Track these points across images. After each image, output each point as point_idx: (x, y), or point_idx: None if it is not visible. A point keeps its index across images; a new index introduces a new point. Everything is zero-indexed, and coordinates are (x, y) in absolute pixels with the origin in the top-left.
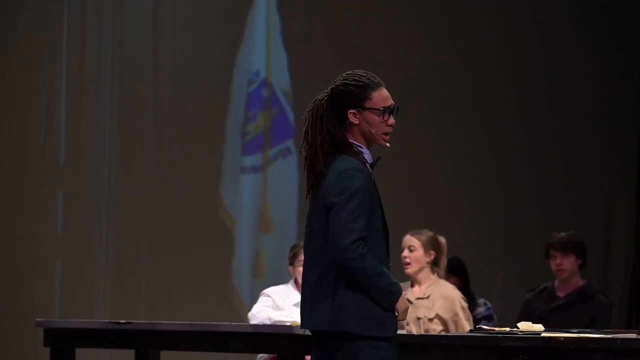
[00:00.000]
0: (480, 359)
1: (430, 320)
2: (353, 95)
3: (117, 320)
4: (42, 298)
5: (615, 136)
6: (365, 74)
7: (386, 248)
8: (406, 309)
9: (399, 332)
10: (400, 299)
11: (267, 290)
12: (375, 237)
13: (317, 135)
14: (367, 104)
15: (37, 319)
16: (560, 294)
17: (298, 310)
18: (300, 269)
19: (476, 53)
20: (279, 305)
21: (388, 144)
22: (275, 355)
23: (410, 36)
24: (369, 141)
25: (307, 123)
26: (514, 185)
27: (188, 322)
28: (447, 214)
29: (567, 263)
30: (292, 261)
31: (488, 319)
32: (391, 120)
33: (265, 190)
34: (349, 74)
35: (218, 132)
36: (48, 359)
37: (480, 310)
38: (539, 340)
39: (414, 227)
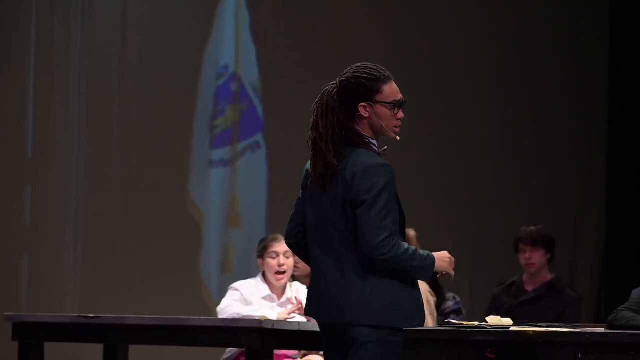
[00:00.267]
0: (449, 353)
1: None
2: (365, 89)
3: (86, 315)
4: (10, 292)
5: (585, 133)
6: (375, 67)
7: (402, 238)
8: (449, 264)
9: None
10: (436, 262)
11: (236, 285)
12: (398, 230)
13: (329, 126)
14: (378, 98)
15: (5, 313)
16: (529, 288)
17: (267, 303)
18: (271, 261)
19: (452, 47)
20: (248, 299)
21: (398, 137)
22: (244, 349)
23: (383, 29)
24: (377, 134)
25: (315, 114)
26: (483, 180)
27: (156, 317)
28: (416, 208)
29: (536, 257)
30: (261, 254)
31: (457, 313)
32: (400, 114)
33: (234, 184)
34: (359, 66)
35: (186, 125)
36: (17, 353)
37: (449, 304)
38: (508, 335)
39: None
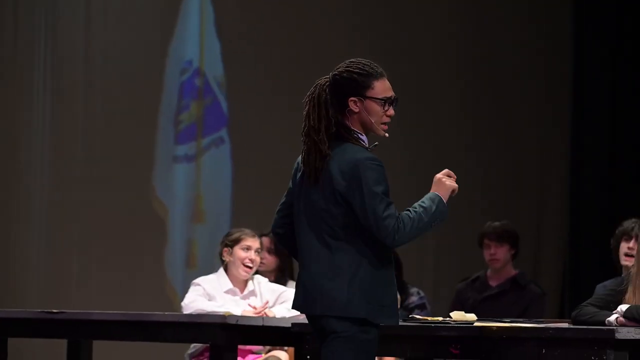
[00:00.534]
0: (413, 348)
1: None
2: (356, 84)
3: (50, 310)
4: None
5: (548, 129)
6: (369, 63)
7: None
8: (448, 184)
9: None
10: (441, 195)
11: (197, 280)
12: None
13: (322, 119)
14: (369, 93)
15: None
16: (493, 284)
17: (230, 298)
18: (242, 253)
19: (420, 43)
20: (210, 293)
21: (387, 134)
22: (208, 344)
23: (352, 24)
24: (367, 130)
25: (307, 107)
26: None
27: (120, 312)
28: None
29: (500, 253)
30: (232, 244)
31: (421, 308)
32: (391, 111)
33: (198, 179)
34: (353, 61)
35: (151, 121)
36: None
37: (413, 299)
38: (472, 330)
39: None
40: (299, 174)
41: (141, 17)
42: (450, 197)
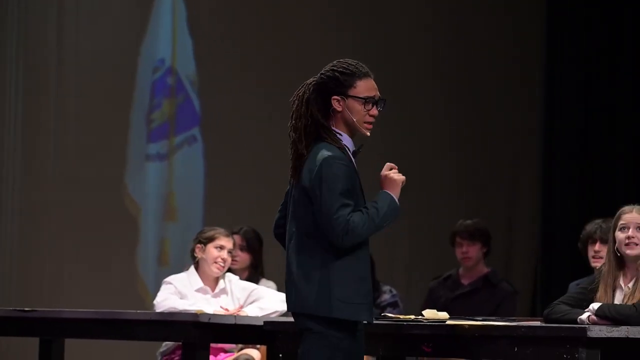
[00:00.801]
0: (385, 347)
1: None
2: (338, 82)
3: (22, 308)
4: None
5: (521, 129)
6: (354, 63)
7: None
8: (397, 181)
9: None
10: (392, 195)
11: (168, 279)
12: None
13: (302, 118)
14: (351, 92)
15: None
16: (465, 282)
17: (201, 296)
18: (215, 252)
19: (397, 43)
20: (182, 291)
21: (368, 133)
22: (180, 343)
23: (326, 22)
24: (352, 129)
25: (294, 106)
26: (418, 174)
27: (92, 310)
28: None
29: (472, 251)
30: (206, 242)
31: (393, 306)
32: (374, 111)
33: (171, 178)
34: (339, 61)
35: (123, 119)
36: None
37: (386, 297)
38: (444, 328)
39: None
40: None
41: (113, 15)
42: (424, 197)
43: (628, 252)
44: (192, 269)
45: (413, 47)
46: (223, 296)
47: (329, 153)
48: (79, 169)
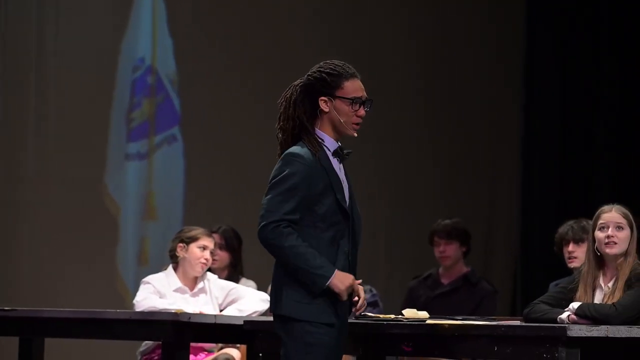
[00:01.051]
0: (365, 346)
1: None
2: (326, 83)
3: (1, 307)
4: None
5: (500, 129)
6: (341, 64)
7: (337, 235)
8: (347, 288)
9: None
10: (333, 280)
11: (147, 278)
12: (319, 223)
13: (290, 120)
14: (338, 93)
15: None
16: (445, 281)
17: (180, 295)
18: (198, 252)
19: (380, 43)
20: (160, 291)
21: (355, 134)
22: (160, 342)
23: (306, 20)
24: (339, 130)
25: (281, 107)
26: (398, 173)
27: (72, 309)
28: None
29: (450, 250)
30: (188, 241)
31: (373, 305)
32: (361, 112)
33: (151, 177)
34: (326, 62)
35: (103, 118)
36: None
37: (366, 296)
38: (424, 328)
39: None
40: None
41: (93, 14)
42: (404, 197)
43: (607, 251)
44: (170, 268)
45: (396, 49)
46: (202, 295)
47: (293, 150)
48: (59, 168)
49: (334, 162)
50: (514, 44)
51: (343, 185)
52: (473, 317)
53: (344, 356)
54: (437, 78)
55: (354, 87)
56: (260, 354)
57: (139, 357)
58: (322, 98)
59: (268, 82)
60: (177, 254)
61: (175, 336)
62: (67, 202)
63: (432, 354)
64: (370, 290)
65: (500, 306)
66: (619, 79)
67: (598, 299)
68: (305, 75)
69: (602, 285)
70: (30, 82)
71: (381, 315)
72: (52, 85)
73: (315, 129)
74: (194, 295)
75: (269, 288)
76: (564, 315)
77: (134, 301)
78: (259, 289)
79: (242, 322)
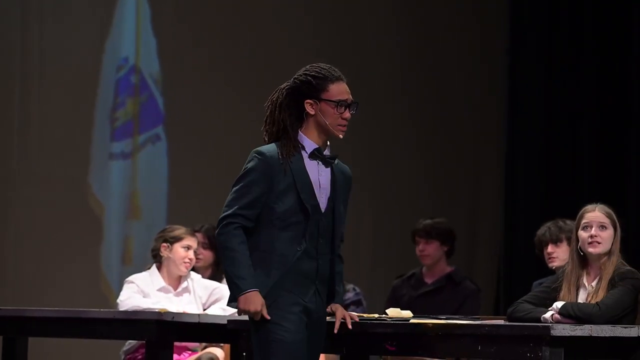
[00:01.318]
0: (349, 345)
1: None
2: (311, 86)
3: None
4: None
5: (485, 129)
6: (327, 67)
7: (297, 235)
8: (249, 311)
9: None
10: (243, 297)
11: (130, 278)
12: (276, 221)
13: (275, 123)
14: (324, 96)
15: None
16: (428, 280)
17: (164, 295)
18: (182, 251)
19: (363, 42)
20: (144, 290)
21: (341, 136)
22: (144, 341)
23: (291, 21)
24: (325, 132)
25: (267, 111)
26: (382, 173)
27: (56, 309)
28: None
29: (430, 249)
30: (172, 241)
31: (357, 304)
32: (346, 114)
33: (135, 176)
34: (312, 65)
35: (87, 118)
36: None
37: (349, 295)
38: (408, 327)
39: None
40: None
41: (77, 13)
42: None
43: (591, 250)
44: (153, 268)
45: (379, 48)
46: (185, 295)
47: (257, 148)
48: (43, 168)
49: (311, 163)
50: (499, 43)
51: (315, 186)
52: (457, 317)
53: (327, 355)
54: (421, 78)
55: (339, 90)
56: (244, 353)
57: (122, 357)
58: (308, 101)
59: (252, 81)
60: (161, 254)
61: (159, 335)
62: (51, 202)
63: (416, 353)
64: (354, 289)
65: (483, 305)
66: (603, 77)
67: (581, 298)
68: (292, 79)
69: (586, 284)
70: (15, 81)
71: (365, 315)
72: (36, 85)
73: (299, 132)
74: (178, 294)
75: None
76: (548, 315)
77: (118, 300)
78: None
79: (225, 322)
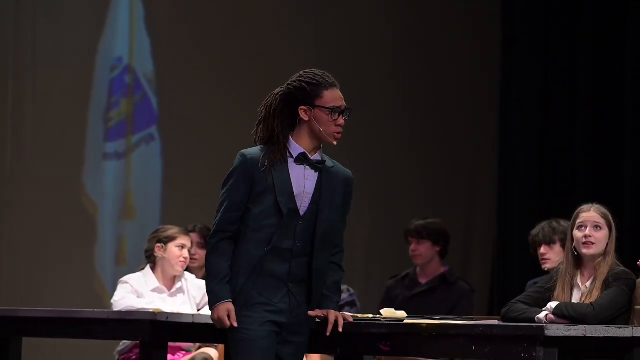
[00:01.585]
0: (343, 345)
1: None
2: (305, 92)
3: None
4: None
5: (479, 130)
6: (321, 74)
7: (271, 237)
8: (218, 320)
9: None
10: (214, 307)
11: (124, 278)
12: (251, 222)
13: (268, 129)
14: (318, 102)
15: None
16: (422, 281)
17: (158, 295)
18: (177, 250)
19: (357, 40)
20: (138, 290)
21: (335, 142)
22: (138, 341)
23: (285, 22)
24: (318, 139)
25: (261, 116)
26: (377, 173)
27: (50, 309)
28: None
29: (422, 249)
30: (166, 241)
31: (351, 305)
32: (340, 121)
33: (129, 176)
34: (306, 72)
35: (80, 118)
36: None
37: (344, 296)
38: (402, 327)
39: None
40: None
41: (71, 13)
42: (383, 197)
43: (584, 251)
44: (147, 268)
45: (373, 47)
46: (180, 295)
47: (242, 150)
48: (37, 168)
49: (297, 168)
50: (492, 42)
51: (298, 190)
52: (451, 317)
53: (322, 356)
54: (415, 78)
55: (333, 96)
56: None
57: (116, 357)
58: (302, 107)
59: (246, 81)
60: (155, 254)
61: (153, 336)
62: (45, 202)
63: (410, 353)
64: (348, 290)
65: (477, 306)
66: (598, 76)
67: (576, 298)
68: (285, 84)
69: (580, 284)
70: (8, 81)
71: (359, 315)
72: (30, 85)
73: (290, 137)
74: (172, 295)
75: None
76: (542, 315)
77: (112, 301)
78: None
79: None
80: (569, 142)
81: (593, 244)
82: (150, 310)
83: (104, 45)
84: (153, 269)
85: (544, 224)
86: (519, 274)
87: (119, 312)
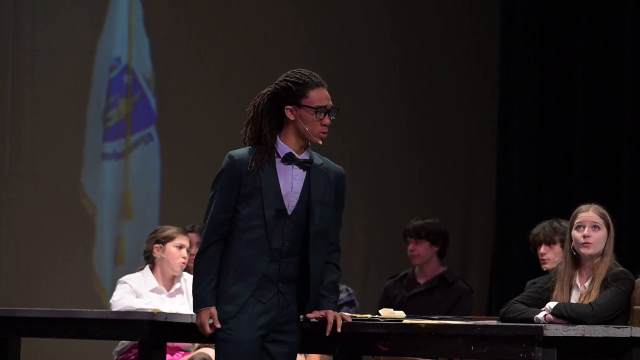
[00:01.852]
0: (342, 345)
1: None
2: (291, 92)
3: None
4: None
5: (477, 130)
6: (308, 73)
7: (258, 238)
8: (199, 327)
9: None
10: (199, 317)
11: (123, 278)
12: (239, 223)
13: (257, 129)
14: (304, 102)
15: None
16: (421, 281)
17: (156, 296)
18: (176, 251)
19: (356, 39)
20: (137, 290)
21: (321, 142)
22: (137, 342)
23: (284, 20)
24: (305, 138)
25: (249, 115)
26: (375, 173)
27: (48, 309)
28: None
29: (419, 249)
30: (165, 241)
31: (350, 305)
32: (326, 120)
33: (127, 176)
34: (293, 71)
35: (79, 118)
36: None
37: (342, 296)
38: (401, 327)
39: None
40: None
41: (70, 13)
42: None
43: (583, 251)
44: (147, 269)
45: (372, 45)
46: (178, 296)
47: (230, 151)
48: (35, 168)
49: (284, 167)
50: (491, 41)
51: (285, 190)
52: (449, 317)
53: (320, 356)
54: (414, 75)
55: (319, 96)
56: None
57: (115, 357)
58: (288, 107)
59: (245, 81)
60: (154, 255)
61: (151, 336)
62: (44, 202)
63: (409, 353)
64: (347, 290)
65: (476, 306)
66: (597, 76)
67: (574, 298)
68: (273, 84)
69: (579, 284)
70: (7, 81)
71: (358, 315)
72: (29, 85)
73: (277, 137)
74: (171, 295)
75: None
76: (541, 315)
77: (111, 301)
78: None
79: None
80: (567, 142)
81: (591, 244)
82: (149, 311)
83: (103, 45)
84: (152, 269)
85: (545, 223)
86: (517, 274)
87: (118, 312)
